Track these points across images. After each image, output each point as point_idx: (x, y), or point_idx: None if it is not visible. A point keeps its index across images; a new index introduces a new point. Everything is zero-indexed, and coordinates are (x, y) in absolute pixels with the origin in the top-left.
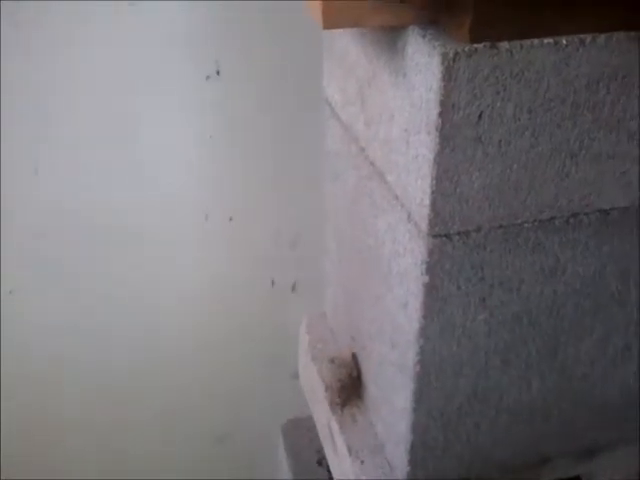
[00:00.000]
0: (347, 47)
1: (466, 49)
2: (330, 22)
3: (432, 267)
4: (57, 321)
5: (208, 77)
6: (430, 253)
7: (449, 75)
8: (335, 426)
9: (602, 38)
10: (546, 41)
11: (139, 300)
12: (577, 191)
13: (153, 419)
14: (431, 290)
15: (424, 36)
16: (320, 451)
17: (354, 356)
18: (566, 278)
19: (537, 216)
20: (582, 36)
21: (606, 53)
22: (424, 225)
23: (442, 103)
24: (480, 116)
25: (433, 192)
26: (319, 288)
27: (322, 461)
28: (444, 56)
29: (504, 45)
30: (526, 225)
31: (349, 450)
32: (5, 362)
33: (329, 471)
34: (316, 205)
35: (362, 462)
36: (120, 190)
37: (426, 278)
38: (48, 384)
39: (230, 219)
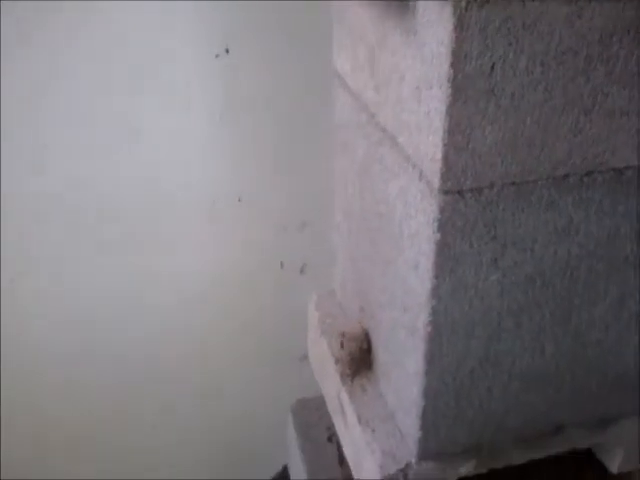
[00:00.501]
0: (357, 15)
1: (478, 0)
2: None
3: (444, 225)
4: (66, 304)
5: (217, 55)
6: (442, 210)
7: (461, 25)
8: (345, 397)
9: None
10: None
11: (149, 282)
12: (591, 148)
13: (160, 407)
14: (443, 249)
15: None
16: (330, 428)
17: (363, 330)
18: (580, 239)
19: (551, 173)
20: None
21: (619, 5)
22: (436, 181)
23: (454, 54)
24: (492, 68)
25: (445, 145)
26: (328, 270)
27: (332, 438)
28: (456, 6)
29: None
30: (539, 182)
31: (359, 419)
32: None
33: (339, 448)
34: (324, 186)
35: (373, 430)
36: (129, 171)
37: (438, 236)
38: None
39: (239, 200)
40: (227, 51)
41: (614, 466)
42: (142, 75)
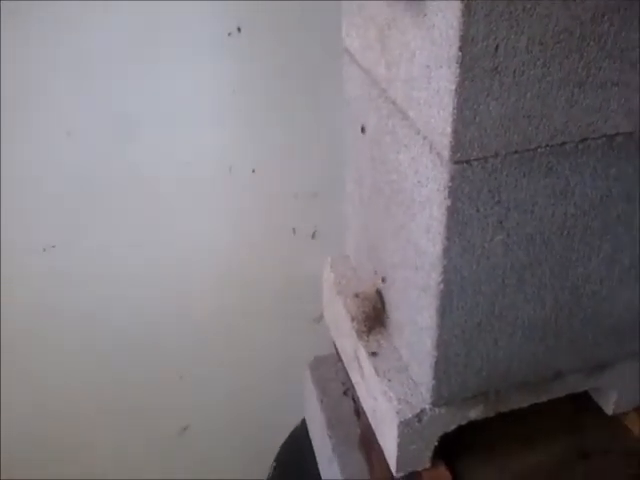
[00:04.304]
0: None
1: None
2: None
3: (454, 191)
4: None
5: (230, 34)
6: (452, 178)
7: (468, 11)
8: (362, 352)
9: None
10: None
11: (166, 250)
12: (585, 117)
13: (181, 367)
14: (453, 213)
15: None
16: (344, 383)
17: (377, 290)
18: (576, 200)
19: (549, 141)
20: None
21: None
22: (446, 153)
23: (462, 38)
24: (496, 48)
25: (454, 120)
26: (338, 236)
27: (347, 392)
28: None
29: None
30: (539, 150)
31: (376, 371)
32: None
33: (355, 400)
34: (334, 157)
35: (389, 380)
36: (148, 142)
37: (448, 202)
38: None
39: (253, 171)
40: (239, 30)
41: (609, 408)
42: (158, 51)
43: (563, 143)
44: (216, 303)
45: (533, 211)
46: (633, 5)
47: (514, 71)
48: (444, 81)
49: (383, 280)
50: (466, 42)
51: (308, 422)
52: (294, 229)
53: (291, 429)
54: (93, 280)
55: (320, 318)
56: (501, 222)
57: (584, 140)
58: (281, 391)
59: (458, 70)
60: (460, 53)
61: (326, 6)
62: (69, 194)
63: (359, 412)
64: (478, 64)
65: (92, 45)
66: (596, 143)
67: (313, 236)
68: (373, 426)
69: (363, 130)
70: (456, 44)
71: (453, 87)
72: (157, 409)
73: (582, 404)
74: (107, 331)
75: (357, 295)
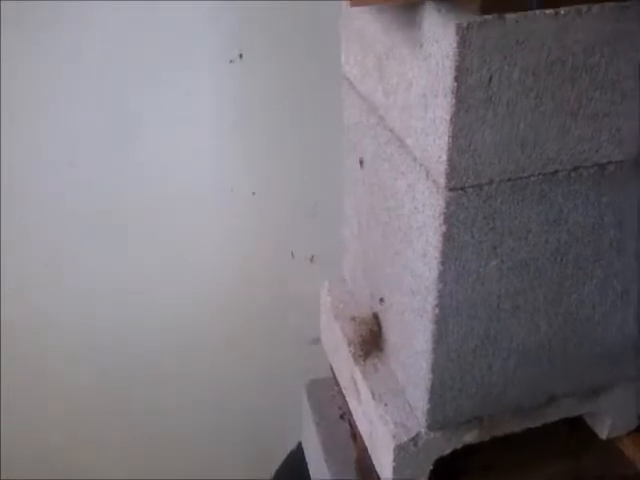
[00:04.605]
0: (365, 25)
1: (477, 20)
2: (357, 0)
3: (449, 218)
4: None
5: (232, 61)
6: (447, 205)
7: (463, 44)
8: (359, 376)
9: (596, 8)
10: (547, 11)
11: (165, 271)
12: (577, 147)
13: (178, 390)
14: (448, 239)
15: (439, 10)
16: (341, 407)
17: (373, 314)
18: (569, 227)
19: (542, 169)
20: (578, 6)
21: (600, 21)
22: (442, 180)
23: (457, 69)
24: (490, 79)
25: (450, 149)
26: (335, 259)
27: (343, 416)
28: (458, 27)
29: (510, 16)
30: (532, 178)
31: (372, 394)
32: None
33: (351, 424)
34: (331, 182)
35: (385, 404)
36: (152, 164)
37: (444, 228)
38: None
39: (253, 194)
40: (241, 56)
41: (603, 433)
42: (159, 78)
43: (556, 171)
44: (213, 324)
45: (527, 237)
46: (624, 37)
47: (508, 101)
48: (440, 110)
49: (381, 300)
50: (461, 73)
51: (304, 445)
52: (292, 252)
53: (287, 452)
54: (93, 294)
55: (317, 340)
56: (495, 248)
57: (576, 169)
58: (277, 414)
59: (453, 100)
60: (455, 83)
61: (326, 34)
62: (70, 209)
63: (355, 436)
64: (473, 94)
65: (93, 74)
66: (588, 171)
67: (311, 259)
68: (369, 450)
69: (361, 163)
70: (452, 74)
71: (449, 116)
72: (157, 426)
73: (576, 428)
74: (109, 346)
75: (354, 319)
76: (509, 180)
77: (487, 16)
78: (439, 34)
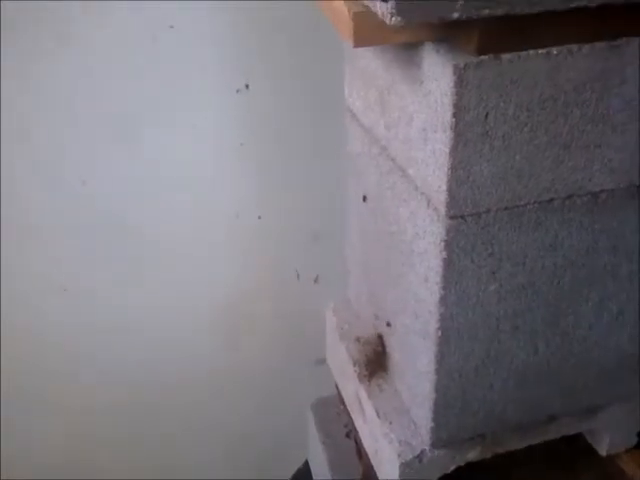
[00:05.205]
0: (368, 61)
1: (474, 61)
2: (360, 41)
3: (449, 244)
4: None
5: (238, 90)
6: (448, 232)
7: (460, 82)
8: (364, 395)
9: (586, 47)
10: (540, 51)
11: (172, 291)
12: (571, 176)
13: (185, 408)
14: (449, 264)
15: (438, 51)
16: (347, 425)
17: (378, 335)
18: (564, 252)
19: (537, 198)
20: (570, 46)
21: (590, 60)
22: (442, 208)
23: (455, 106)
24: (487, 115)
25: (449, 180)
26: (339, 280)
27: (349, 434)
28: (456, 67)
29: (506, 56)
30: (528, 206)
31: (378, 413)
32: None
33: (357, 443)
34: (334, 206)
35: (390, 423)
36: (160, 190)
37: (444, 254)
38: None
39: (259, 218)
40: (247, 87)
41: (603, 449)
42: (173, 107)
43: (551, 200)
44: (219, 345)
45: (524, 262)
46: (614, 74)
47: (503, 135)
48: (439, 144)
49: (388, 324)
50: (459, 110)
51: (311, 463)
52: (298, 274)
53: (294, 470)
54: (98, 318)
55: (322, 360)
56: (494, 273)
57: (570, 197)
58: (282, 433)
59: (452, 135)
60: (454, 119)
61: (331, 67)
62: (72, 230)
63: (361, 453)
64: (470, 129)
65: (105, 102)
66: (581, 200)
67: (316, 280)
68: (375, 467)
69: (365, 199)
70: (450, 111)
71: (448, 150)
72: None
73: (576, 445)
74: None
75: (358, 339)
76: (506, 208)
77: (483, 56)
78: (438, 73)
